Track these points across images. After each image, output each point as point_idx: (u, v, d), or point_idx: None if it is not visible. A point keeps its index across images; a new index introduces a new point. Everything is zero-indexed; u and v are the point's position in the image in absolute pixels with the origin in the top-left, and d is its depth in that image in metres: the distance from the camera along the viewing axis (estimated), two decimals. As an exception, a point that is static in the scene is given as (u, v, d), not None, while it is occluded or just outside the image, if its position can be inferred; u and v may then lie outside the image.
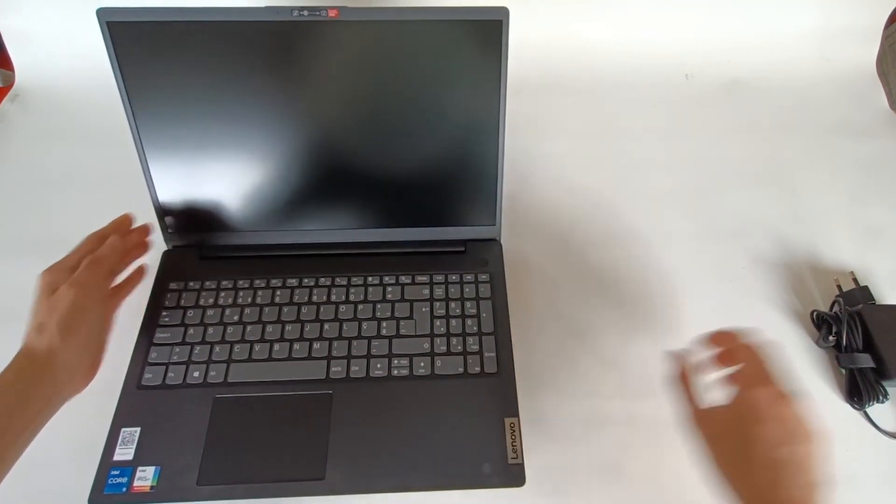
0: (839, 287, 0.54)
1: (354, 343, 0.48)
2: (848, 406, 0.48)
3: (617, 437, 0.47)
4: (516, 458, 0.43)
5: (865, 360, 0.47)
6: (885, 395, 0.47)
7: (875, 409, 0.48)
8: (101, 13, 0.43)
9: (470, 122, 0.49)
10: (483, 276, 0.52)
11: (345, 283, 0.52)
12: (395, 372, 0.47)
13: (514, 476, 0.43)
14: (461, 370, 0.47)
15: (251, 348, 0.48)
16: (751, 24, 0.74)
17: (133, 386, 0.46)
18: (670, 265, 0.57)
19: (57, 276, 0.41)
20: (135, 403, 0.45)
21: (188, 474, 0.42)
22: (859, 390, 0.47)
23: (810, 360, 0.51)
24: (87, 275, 0.42)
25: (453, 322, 0.50)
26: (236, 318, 0.49)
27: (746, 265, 0.57)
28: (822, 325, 0.51)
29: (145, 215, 0.53)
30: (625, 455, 0.46)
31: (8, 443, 0.36)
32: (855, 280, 0.54)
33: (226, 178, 0.50)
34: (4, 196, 0.60)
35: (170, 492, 0.42)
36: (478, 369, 0.47)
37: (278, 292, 0.51)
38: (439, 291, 0.51)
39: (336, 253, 0.54)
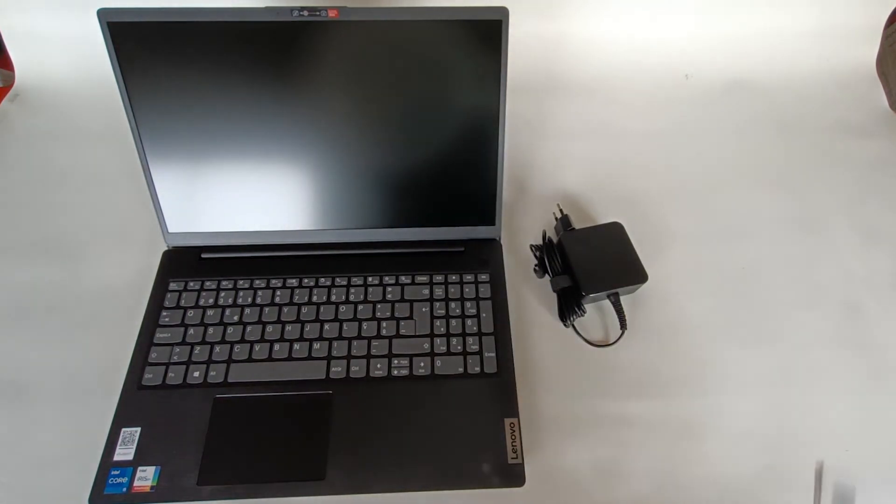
0: (555, 217, 0.58)
1: (354, 343, 0.48)
2: (561, 324, 0.53)
3: (617, 437, 0.47)
4: (516, 458, 0.43)
5: (564, 281, 0.52)
6: (583, 311, 0.51)
7: (583, 323, 0.53)
8: (102, 13, 0.43)
9: (470, 122, 0.49)
10: (483, 276, 0.52)
11: (345, 283, 0.52)
12: (395, 372, 0.47)
13: (514, 476, 0.43)
14: (461, 370, 0.47)
15: (251, 348, 0.48)
16: (751, 24, 0.74)
17: (133, 386, 0.46)
18: (670, 265, 0.57)
19: None
20: (135, 403, 0.45)
21: (188, 474, 0.42)
22: (563, 309, 0.52)
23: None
24: None
25: (453, 322, 0.50)
26: (236, 318, 0.49)
27: (746, 265, 0.57)
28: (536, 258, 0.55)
29: (145, 215, 0.53)
30: (625, 455, 0.46)
31: None
32: (561, 210, 0.58)
33: (226, 178, 0.50)
34: (4, 196, 0.60)
35: (170, 492, 0.41)
36: (478, 369, 0.47)
37: (278, 292, 0.51)
38: (439, 291, 0.51)
39: (336, 253, 0.54)
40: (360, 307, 0.50)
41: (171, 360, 0.47)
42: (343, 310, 0.50)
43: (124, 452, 0.43)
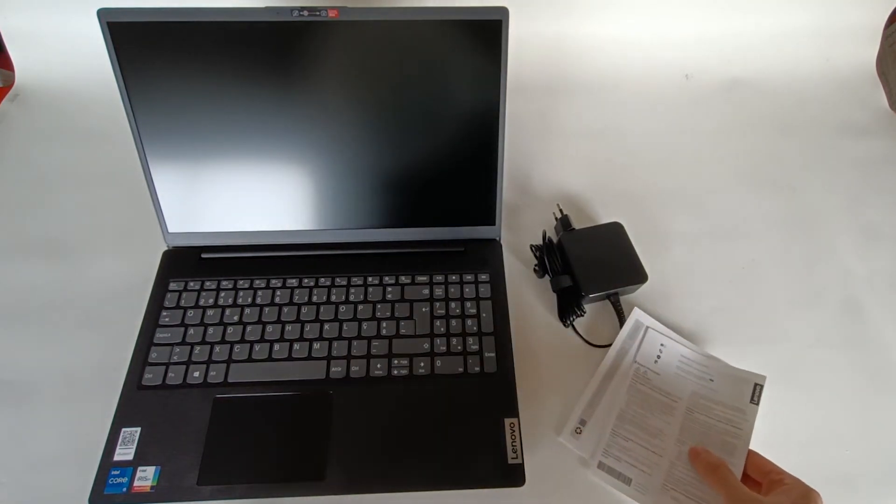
0: (555, 217, 0.57)
1: (354, 343, 0.48)
2: (561, 324, 0.53)
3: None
4: (516, 458, 0.43)
5: (565, 281, 0.51)
6: (583, 311, 0.51)
7: (583, 323, 0.53)
8: (102, 13, 0.43)
9: (470, 122, 0.49)
10: (483, 276, 0.52)
11: (345, 283, 0.52)
12: (395, 372, 0.47)
13: (514, 476, 0.43)
14: (461, 370, 0.47)
15: (251, 348, 0.48)
16: (751, 24, 0.74)
17: (133, 386, 0.46)
18: (670, 265, 0.57)
19: None
20: (135, 403, 0.45)
21: (188, 474, 0.42)
22: (563, 309, 0.52)
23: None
24: None
25: (453, 322, 0.50)
26: (236, 318, 0.49)
27: (746, 265, 0.57)
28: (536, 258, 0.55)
29: (145, 215, 0.53)
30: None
31: None
32: (561, 210, 0.58)
33: (226, 178, 0.50)
34: (4, 195, 0.60)
35: (170, 492, 0.42)
36: (478, 369, 0.47)
37: (278, 292, 0.51)
38: (439, 291, 0.51)
39: (336, 253, 0.54)
40: (359, 307, 0.50)
41: (171, 360, 0.47)
42: (343, 310, 0.50)
43: (124, 452, 0.43)
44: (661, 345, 0.51)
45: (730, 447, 0.45)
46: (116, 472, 0.42)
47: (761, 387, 0.48)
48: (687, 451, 0.45)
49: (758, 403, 0.47)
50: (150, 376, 0.46)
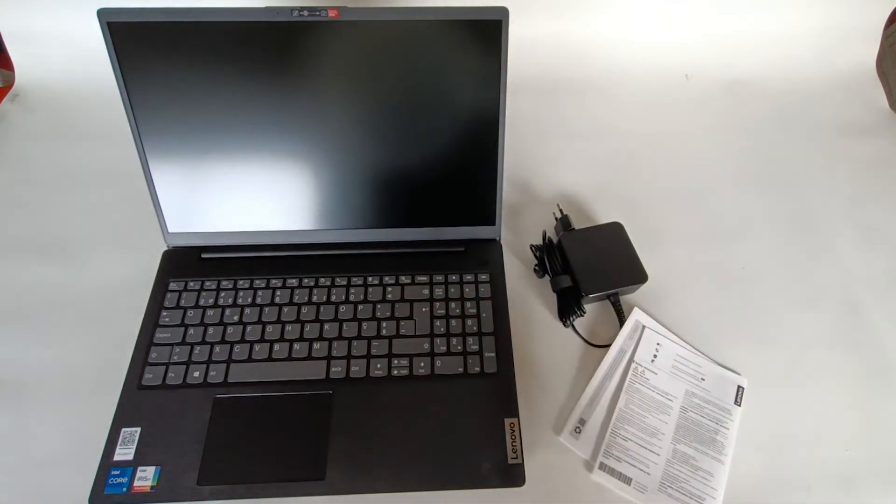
0: (555, 217, 0.58)
1: (354, 343, 0.48)
2: (561, 324, 0.53)
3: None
4: (516, 458, 0.43)
5: (565, 281, 0.52)
6: (583, 311, 0.51)
7: (583, 323, 0.53)
8: (102, 13, 0.43)
9: (470, 122, 0.49)
10: (483, 276, 0.52)
11: (345, 283, 0.52)
12: (395, 372, 0.47)
13: (514, 476, 0.43)
14: (461, 370, 0.47)
15: (251, 348, 0.48)
16: (751, 24, 0.74)
17: (133, 386, 0.46)
18: (670, 265, 0.57)
19: None
20: (135, 403, 0.45)
21: (188, 474, 0.42)
22: (563, 309, 0.52)
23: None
24: None
25: (453, 322, 0.50)
26: (236, 318, 0.49)
27: (746, 265, 0.57)
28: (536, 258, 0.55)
29: (145, 215, 0.53)
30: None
31: None
32: (561, 210, 0.58)
33: (226, 177, 0.50)
34: (4, 196, 0.60)
35: (170, 492, 0.42)
36: (478, 369, 0.47)
37: (278, 292, 0.51)
38: (439, 291, 0.51)
39: (336, 253, 0.54)
40: (359, 307, 0.50)
41: (171, 360, 0.47)
42: (343, 310, 0.50)
43: (124, 452, 0.43)
44: (658, 344, 0.51)
45: (718, 446, 0.45)
46: (116, 472, 0.42)
47: (743, 389, 0.48)
48: (682, 449, 0.45)
49: (740, 405, 0.48)
50: (150, 376, 0.46)
